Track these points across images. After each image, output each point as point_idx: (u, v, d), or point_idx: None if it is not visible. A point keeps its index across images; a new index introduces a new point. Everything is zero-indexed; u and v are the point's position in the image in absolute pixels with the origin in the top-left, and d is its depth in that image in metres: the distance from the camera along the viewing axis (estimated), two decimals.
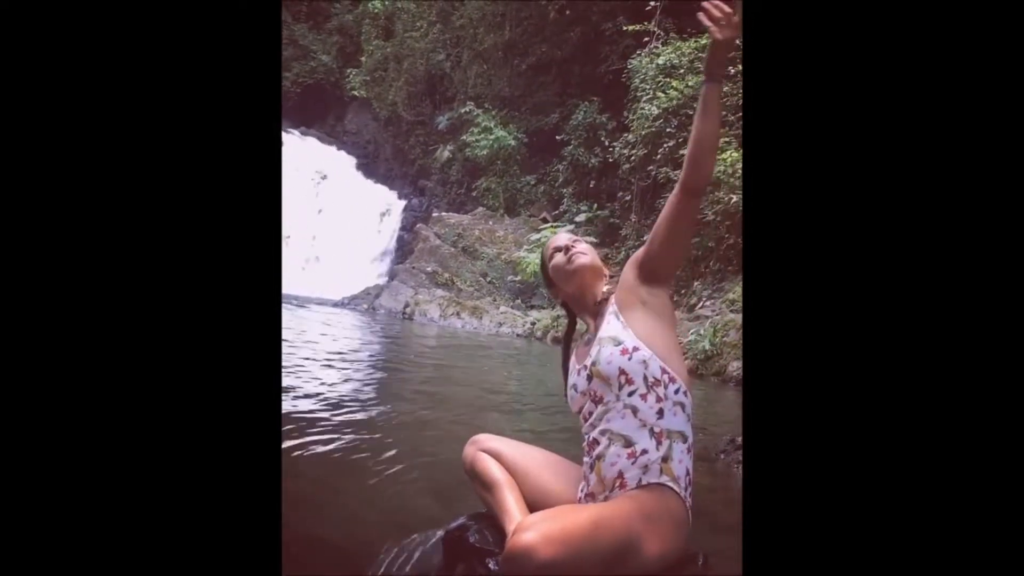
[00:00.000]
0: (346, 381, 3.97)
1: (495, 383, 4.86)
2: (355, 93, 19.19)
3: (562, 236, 1.51)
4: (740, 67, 8.72)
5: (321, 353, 5.04)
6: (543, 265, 1.52)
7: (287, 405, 2.95)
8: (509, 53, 15.75)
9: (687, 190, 1.22)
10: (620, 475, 1.19)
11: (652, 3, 10.53)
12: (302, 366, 4.21)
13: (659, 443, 1.20)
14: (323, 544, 1.57)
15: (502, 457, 1.36)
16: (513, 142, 14.40)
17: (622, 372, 1.23)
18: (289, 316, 7.65)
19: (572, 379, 1.37)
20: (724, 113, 8.88)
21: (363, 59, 19.04)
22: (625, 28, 11.32)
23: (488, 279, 12.72)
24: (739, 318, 6.18)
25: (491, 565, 1.20)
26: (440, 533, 1.35)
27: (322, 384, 3.66)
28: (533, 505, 1.28)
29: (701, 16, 1.16)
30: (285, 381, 3.51)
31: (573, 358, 1.43)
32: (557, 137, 13.62)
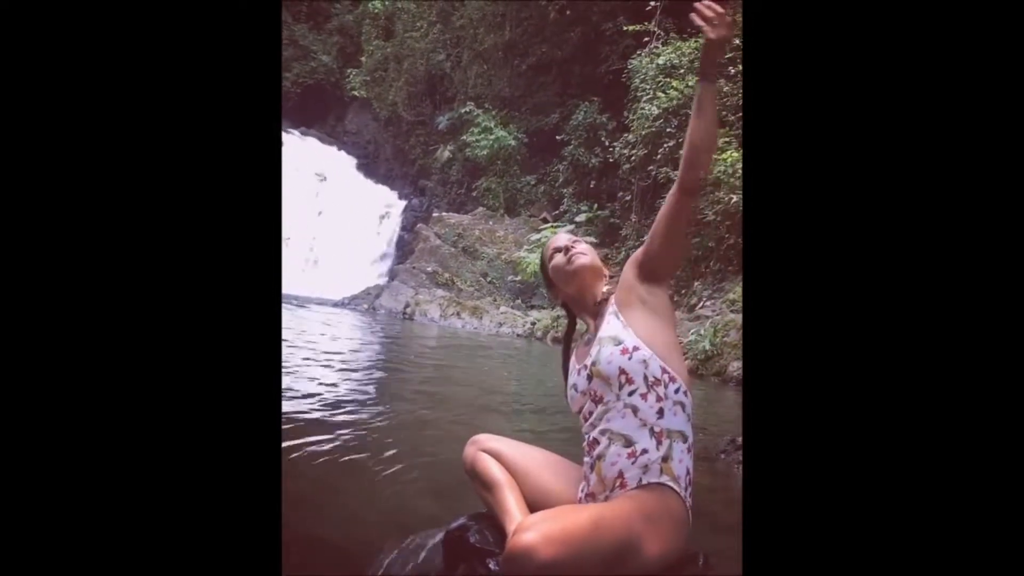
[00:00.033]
0: (346, 381, 3.97)
1: (495, 383, 4.86)
2: (355, 93, 19.20)
3: (562, 237, 1.51)
4: (740, 67, 8.73)
5: (321, 353, 5.04)
6: (543, 266, 1.52)
7: (287, 405, 2.95)
8: (509, 53, 15.75)
9: (684, 189, 1.24)
10: (620, 475, 1.19)
11: (652, 3, 10.54)
12: (302, 366, 4.22)
13: (659, 443, 1.20)
14: (323, 544, 1.57)
15: (502, 457, 1.36)
16: (513, 142, 14.41)
17: (622, 371, 1.23)
18: (289, 316, 7.65)
19: (572, 379, 1.37)
20: (724, 113, 8.89)
21: (363, 59, 19.05)
22: (625, 28, 11.33)
23: (488, 279, 12.73)
24: (739, 318, 6.18)
25: (492, 565, 1.20)
26: (440, 533, 1.35)
27: (322, 384, 3.66)
28: (533, 505, 1.28)
29: (693, 16, 1.19)
30: (285, 381, 3.51)
31: (573, 358, 1.43)
32: (557, 137, 13.62)
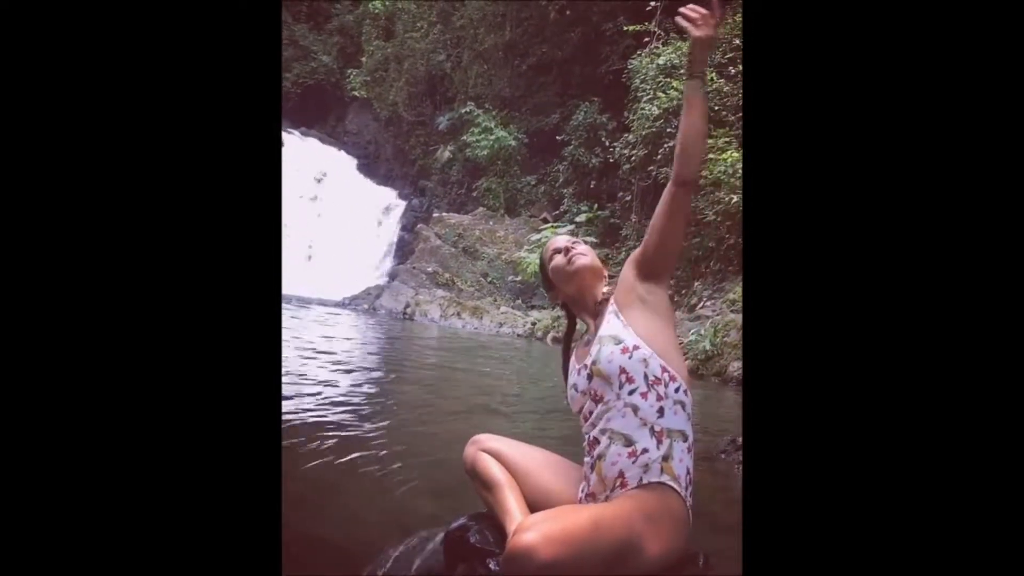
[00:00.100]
0: (346, 381, 3.97)
1: (495, 383, 4.86)
2: (356, 93, 19.20)
3: (561, 238, 1.51)
4: (740, 67, 8.72)
5: (321, 353, 5.04)
6: (542, 267, 1.52)
7: (287, 405, 2.95)
8: (509, 53, 15.75)
9: (679, 182, 1.26)
10: (621, 474, 1.19)
11: (652, 3, 10.54)
12: (302, 366, 4.22)
13: (660, 442, 1.20)
14: (323, 544, 1.57)
15: (503, 457, 1.36)
16: (513, 142, 14.41)
17: (622, 371, 1.23)
18: (290, 316, 7.65)
19: (572, 379, 1.37)
20: (724, 113, 8.89)
21: (364, 59, 19.05)
22: (625, 28, 11.33)
23: (489, 279, 12.73)
24: (739, 318, 6.18)
25: (492, 565, 1.20)
26: (441, 533, 1.35)
27: (322, 384, 3.66)
28: (534, 505, 1.28)
29: (679, 19, 1.25)
30: (285, 381, 3.51)
31: (573, 358, 1.43)
32: (557, 137, 13.62)
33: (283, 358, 4.22)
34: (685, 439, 1.23)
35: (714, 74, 9.21)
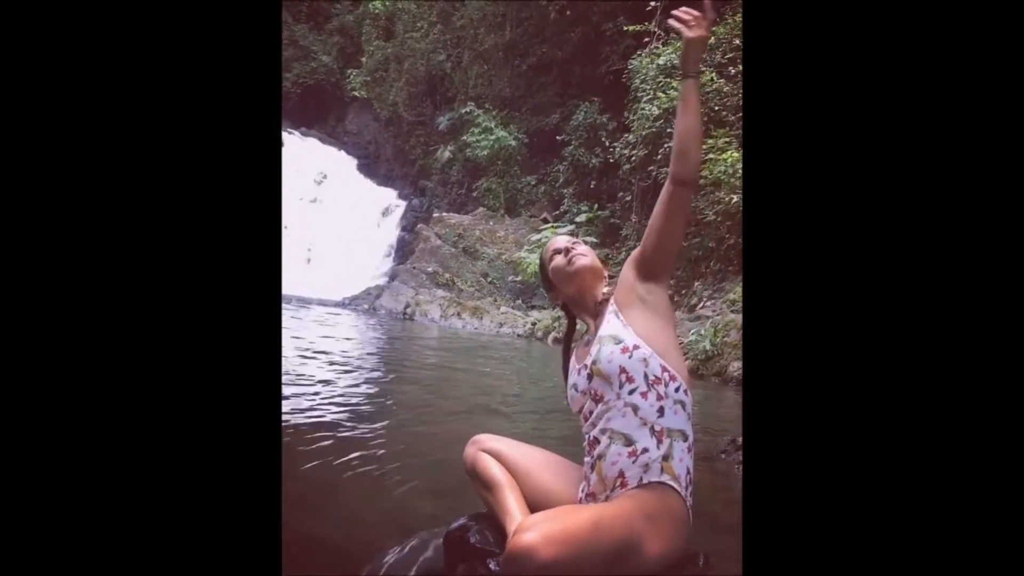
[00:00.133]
0: (346, 381, 3.96)
1: (495, 383, 4.86)
2: (356, 94, 19.20)
3: (561, 238, 1.51)
4: (740, 67, 8.72)
5: (321, 353, 5.04)
6: (542, 267, 1.52)
7: (287, 405, 2.95)
8: (510, 53, 15.76)
9: (676, 181, 1.26)
10: (621, 474, 1.19)
11: (652, 3, 10.54)
12: (302, 366, 4.22)
13: (660, 442, 1.20)
14: (323, 544, 1.57)
15: (503, 457, 1.36)
16: (514, 142, 14.41)
17: (623, 370, 1.23)
18: (290, 316, 7.65)
19: (573, 379, 1.37)
20: (724, 113, 8.89)
21: (364, 60, 19.05)
22: (625, 28, 11.33)
23: (489, 279, 12.73)
24: (739, 318, 6.18)
25: (492, 565, 1.20)
26: (441, 533, 1.35)
27: (322, 384, 3.66)
28: (534, 505, 1.28)
29: (672, 22, 1.28)
30: (285, 381, 3.51)
31: (573, 359, 1.43)
32: (558, 137, 13.62)
33: (283, 358, 4.22)
34: (685, 439, 1.23)
35: (714, 74, 9.21)
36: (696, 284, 8.84)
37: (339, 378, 4.02)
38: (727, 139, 8.45)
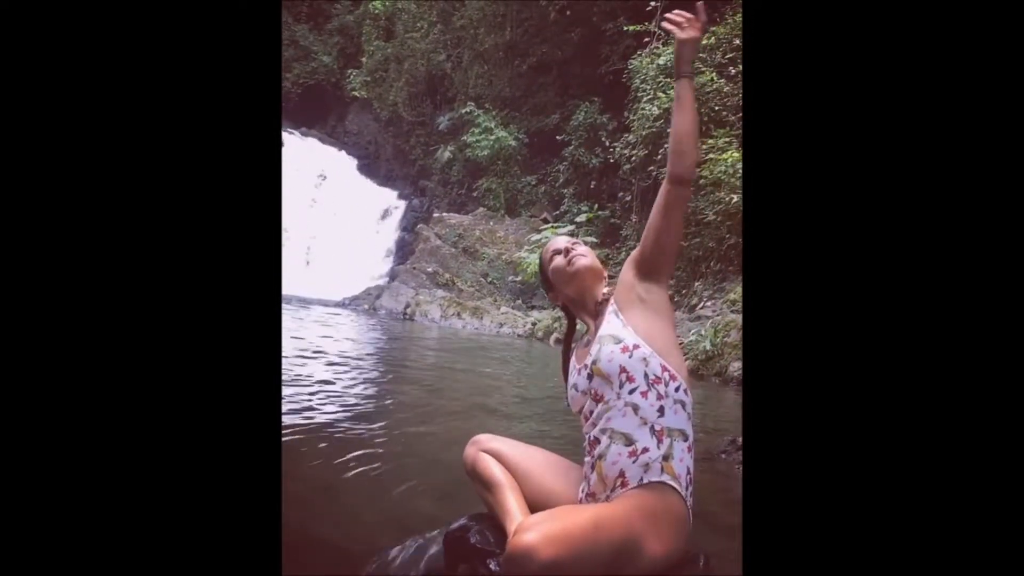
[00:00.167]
0: (346, 381, 3.96)
1: (495, 384, 4.86)
2: (356, 94, 19.20)
3: (560, 239, 1.51)
4: (740, 67, 8.72)
5: (321, 353, 5.04)
6: (542, 268, 1.52)
7: (287, 405, 2.95)
8: (510, 54, 15.76)
9: (674, 180, 1.27)
10: (621, 474, 1.19)
11: (652, 3, 10.54)
12: (302, 366, 4.22)
13: (660, 441, 1.20)
14: (323, 544, 1.57)
15: (503, 457, 1.36)
16: (514, 142, 14.41)
17: (623, 370, 1.23)
18: (290, 317, 7.65)
19: (573, 379, 1.37)
20: (724, 113, 8.89)
21: (364, 60, 19.05)
22: (626, 28, 11.33)
23: (489, 280, 12.72)
24: (740, 318, 6.18)
25: (492, 566, 1.20)
26: (441, 534, 1.35)
27: (322, 384, 3.66)
28: (534, 505, 1.28)
29: (665, 24, 1.31)
30: (285, 382, 3.51)
31: (573, 359, 1.43)
32: (558, 137, 13.62)
33: (283, 358, 4.22)
34: (685, 438, 1.23)
35: (714, 74, 9.21)
36: (696, 284, 8.83)
37: (339, 378, 4.02)
38: (727, 139, 8.45)
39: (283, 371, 3.80)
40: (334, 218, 14.72)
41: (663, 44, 10.74)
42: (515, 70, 15.79)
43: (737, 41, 9.22)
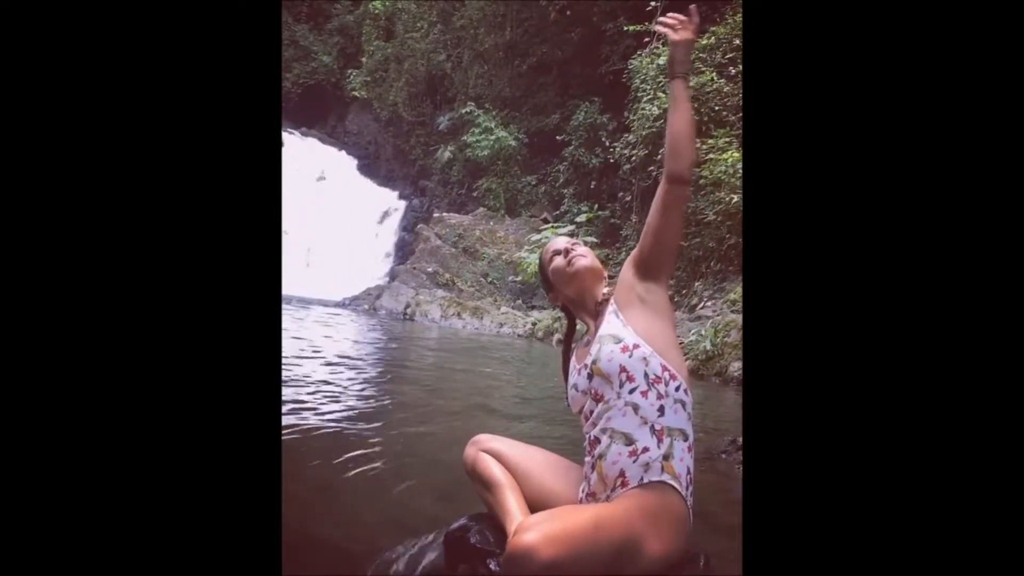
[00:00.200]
0: (346, 381, 3.96)
1: (495, 384, 4.86)
2: (356, 94, 19.20)
3: (560, 240, 1.51)
4: (740, 67, 8.72)
5: (321, 354, 5.04)
6: (542, 269, 1.52)
7: (287, 406, 2.95)
8: (510, 54, 15.76)
9: (671, 179, 1.27)
10: (622, 473, 1.19)
11: (653, 3, 10.54)
12: (302, 367, 4.22)
13: (660, 441, 1.20)
14: (323, 544, 1.57)
15: (503, 457, 1.36)
16: (514, 142, 14.41)
17: (623, 369, 1.23)
18: (290, 317, 7.65)
19: (573, 379, 1.37)
20: (724, 113, 8.89)
21: (364, 60, 19.05)
22: (626, 28, 11.32)
23: (489, 280, 12.73)
24: (740, 318, 6.17)
25: (492, 566, 1.20)
26: (441, 534, 1.35)
27: (322, 384, 3.66)
28: (534, 505, 1.28)
29: (658, 27, 1.34)
30: (285, 382, 3.51)
31: (573, 359, 1.43)
32: (558, 137, 13.63)
33: (283, 358, 4.22)
34: (686, 438, 1.23)
35: (714, 74, 9.21)
36: (696, 284, 8.83)
37: (339, 378, 4.02)
38: (727, 139, 8.45)
39: (283, 371, 3.80)
40: (334, 218, 14.71)
41: (663, 44, 10.72)
42: (515, 70, 15.80)
43: (737, 41, 9.22)
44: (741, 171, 7.58)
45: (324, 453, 2.30)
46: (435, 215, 14.45)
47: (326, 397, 3.31)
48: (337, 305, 11.36)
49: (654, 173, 10.03)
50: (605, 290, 1.44)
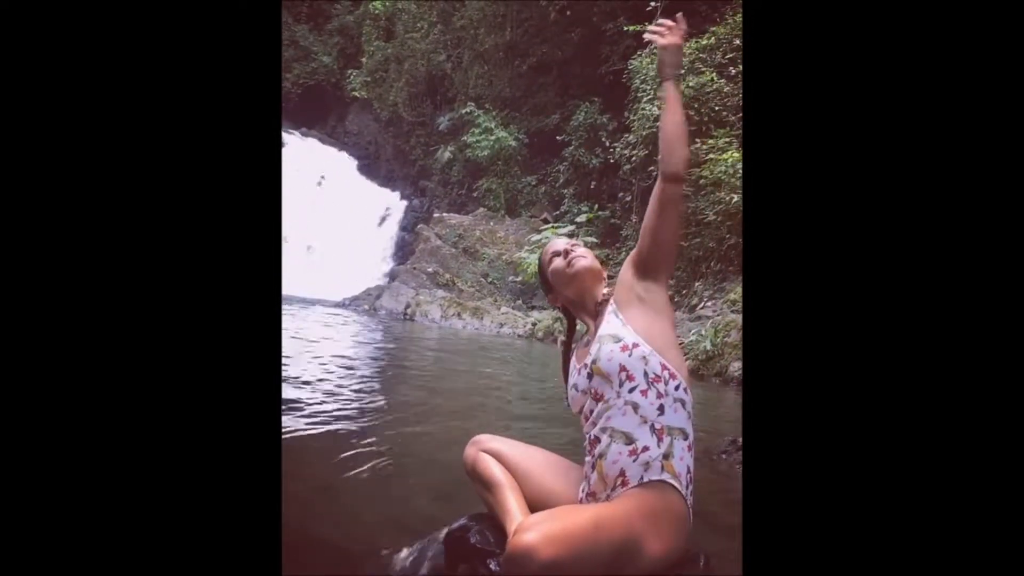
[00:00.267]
0: (346, 382, 3.96)
1: (496, 384, 4.86)
2: (356, 94, 19.21)
3: (559, 240, 1.51)
4: (740, 67, 8.72)
5: (321, 354, 5.04)
6: (541, 270, 1.52)
7: (287, 406, 2.95)
8: (510, 54, 15.77)
9: (667, 177, 1.29)
10: (622, 473, 1.19)
11: (653, 3, 10.54)
12: (302, 367, 4.22)
13: (660, 440, 1.20)
14: (323, 544, 1.57)
15: (503, 457, 1.36)
16: (514, 143, 14.42)
17: (623, 368, 1.23)
18: (290, 317, 7.66)
19: (573, 379, 1.37)
20: (724, 113, 8.89)
21: (364, 60, 19.06)
22: (626, 29, 11.32)
23: (489, 280, 12.73)
24: (740, 318, 6.17)
25: (492, 566, 1.20)
26: (441, 534, 1.35)
27: (322, 385, 3.66)
28: (534, 505, 1.28)
29: (647, 35, 1.40)
30: (285, 382, 3.52)
31: (573, 359, 1.43)
32: (558, 138, 13.64)
33: (283, 359, 4.22)
34: (685, 437, 1.23)
35: (714, 74, 9.21)
36: (696, 284, 8.84)
37: (339, 378, 4.02)
38: (727, 139, 8.46)
39: (283, 371, 3.80)
40: (334, 218, 14.72)
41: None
42: (515, 70, 15.81)
43: (737, 41, 9.22)
44: (741, 171, 7.58)
45: (324, 453, 2.30)
46: (435, 215, 14.46)
47: (326, 397, 3.31)
48: (337, 305, 11.36)
49: (654, 173, 9.97)
50: (605, 290, 1.44)
